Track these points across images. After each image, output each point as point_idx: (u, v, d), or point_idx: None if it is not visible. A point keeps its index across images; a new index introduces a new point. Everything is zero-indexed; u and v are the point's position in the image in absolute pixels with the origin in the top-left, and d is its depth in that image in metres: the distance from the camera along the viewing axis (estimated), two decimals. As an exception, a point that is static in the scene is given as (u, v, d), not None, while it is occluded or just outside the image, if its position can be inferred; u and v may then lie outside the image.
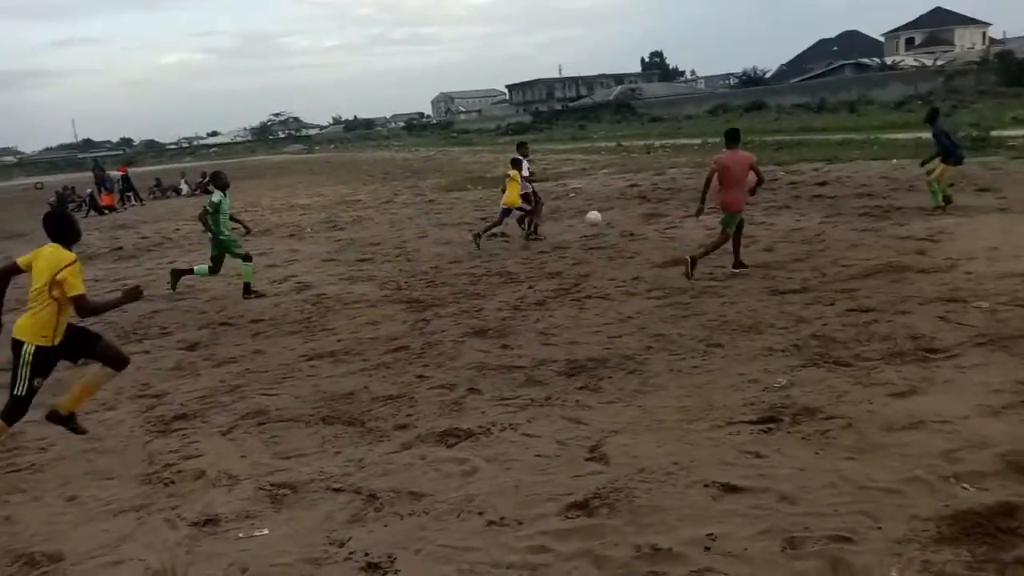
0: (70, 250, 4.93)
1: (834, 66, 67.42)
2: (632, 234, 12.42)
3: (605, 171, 24.23)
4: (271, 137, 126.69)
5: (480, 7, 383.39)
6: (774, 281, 8.39)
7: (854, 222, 11.42)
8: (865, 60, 64.93)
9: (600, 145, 37.68)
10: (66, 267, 4.79)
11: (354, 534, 3.91)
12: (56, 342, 4.94)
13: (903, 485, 3.82)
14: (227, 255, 10.26)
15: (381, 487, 4.40)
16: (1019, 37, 71.02)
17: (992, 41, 73.12)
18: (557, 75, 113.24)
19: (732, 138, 8.98)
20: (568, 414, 5.27)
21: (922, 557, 3.23)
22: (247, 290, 10.18)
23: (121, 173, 30.91)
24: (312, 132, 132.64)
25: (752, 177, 8.90)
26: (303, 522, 4.09)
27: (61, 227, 5.00)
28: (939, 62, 53.92)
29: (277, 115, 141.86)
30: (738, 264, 9.09)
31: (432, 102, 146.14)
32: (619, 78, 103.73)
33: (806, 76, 67.53)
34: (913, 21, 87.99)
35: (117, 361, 5.25)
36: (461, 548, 3.67)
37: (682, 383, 5.66)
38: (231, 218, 10.26)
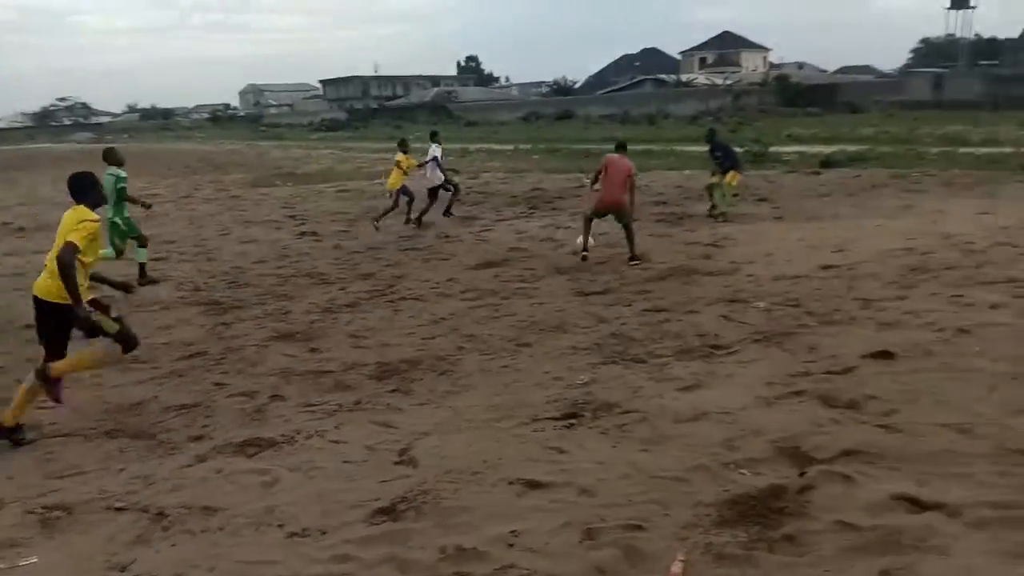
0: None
1: (636, 80, 71.85)
2: (447, 236, 12.50)
3: (421, 172, 24.18)
4: (55, 124, 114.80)
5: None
6: (579, 283, 8.77)
7: (651, 228, 12.20)
8: (663, 76, 69.78)
9: (416, 146, 37.61)
10: (83, 222, 4.92)
11: (139, 556, 3.61)
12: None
13: (689, 473, 4.10)
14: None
15: (170, 504, 4.09)
16: (794, 63, 79.33)
17: (772, 65, 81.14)
18: (373, 73, 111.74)
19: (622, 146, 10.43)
20: (378, 418, 5.19)
21: (705, 540, 3.48)
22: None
23: None
24: (103, 120, 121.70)
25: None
26: (79, 547, 3.72)
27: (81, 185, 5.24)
28: (727, 81, 59.01)
29: (62, 100, 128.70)
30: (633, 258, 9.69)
31: (240, 94, 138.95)
32: (435, 80, 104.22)
33: (611, 88, 71.38)
34: (705, 43, 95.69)
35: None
36: (259, 563, 3.49)
37: (492, 382, 5.75)
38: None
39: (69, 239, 4.84)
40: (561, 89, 79.22)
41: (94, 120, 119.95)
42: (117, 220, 9.40)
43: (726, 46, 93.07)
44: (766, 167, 19.73)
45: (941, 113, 36.59)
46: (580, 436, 4.68)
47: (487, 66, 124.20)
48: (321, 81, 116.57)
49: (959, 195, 13.62)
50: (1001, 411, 4.63)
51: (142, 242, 9.71)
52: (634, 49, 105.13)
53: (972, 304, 6.91)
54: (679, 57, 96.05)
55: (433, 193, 13.47)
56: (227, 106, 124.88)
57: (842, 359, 5.71)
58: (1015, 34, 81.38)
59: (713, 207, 12.78)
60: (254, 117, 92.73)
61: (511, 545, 3.53)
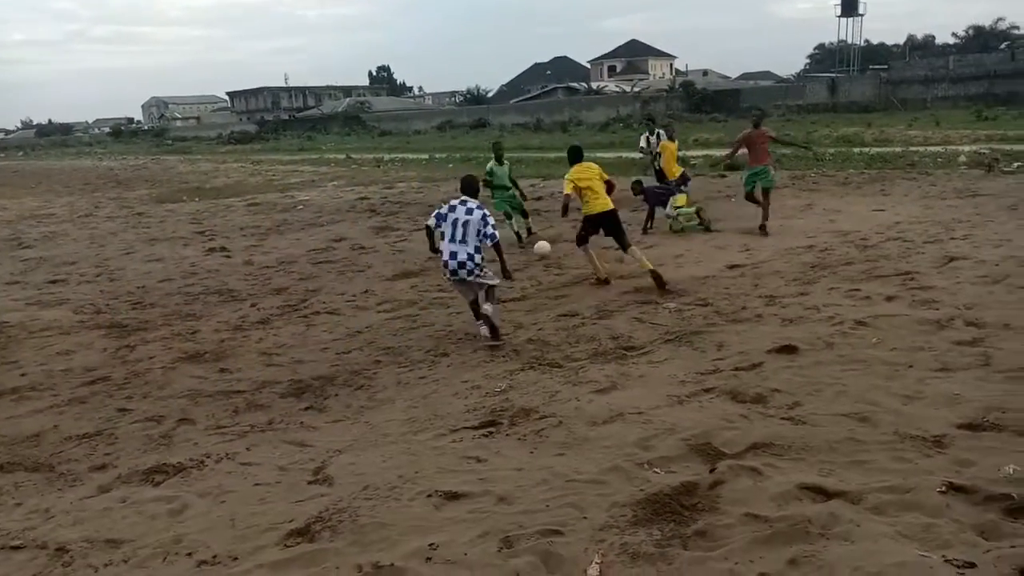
0: None
1: (548, 88, 72.65)
2: (362, 247, 12.34)
3: (334, 183, 23.85)
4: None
5: (197, 9, 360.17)
6: (496, 290, 8.76)
7: (567, 234, 12.31)
8: (574, 84, 70.77)
9: (329, 157, 37.04)
10: None
11: (35, 598, 3.41)
12: None
13: (605, 475, 4.16)
14: None
15: (72, 538, 3.89)
16: (699, 70, 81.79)
17: (678, 72, 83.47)
18: (283, 84, 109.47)
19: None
20: (291, 437, 5.07)
21: (621, 540, 3.53)
22: None
23: None
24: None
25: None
26: (-32, 593, 3.49)
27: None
28: (636, 88, 60.35)
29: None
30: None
31: (143, 107, 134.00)
32: (347, 90, 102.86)
33: (524, 97, 71.97)
34: (613, 51, 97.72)
35: None
36: (166, 596, 3.36)
37: (409, 395, 5.70)
38: None
39: None
40: (474, 98, 79.41)
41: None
42: None
43: (634, 54, 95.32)
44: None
45: (836, 115, 38.42)
46: (498, 444, 4.69)
47: (399, 76, 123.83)
48: (229, 93, 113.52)
49: (854, 193, 14.30)
50: (898, 399, 4.88)
51: None
52: (545, 58, 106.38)
53: (868, 297, 7.26)
54: (588, 65, 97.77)
55: None
56: (130, 120, 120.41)
57: (749, 355, 5.90)
58: (900, 40, 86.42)
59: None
60: (159, 131, 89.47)
61: (429, 559, 3.50)
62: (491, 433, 4.86)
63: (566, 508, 3.84)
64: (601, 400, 5.25)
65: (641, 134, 15.06)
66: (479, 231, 6.80)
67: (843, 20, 72.09)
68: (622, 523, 3.68)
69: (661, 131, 14.17)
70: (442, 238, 6.91)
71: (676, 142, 13.62)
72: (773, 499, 3.77)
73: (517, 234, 12.16)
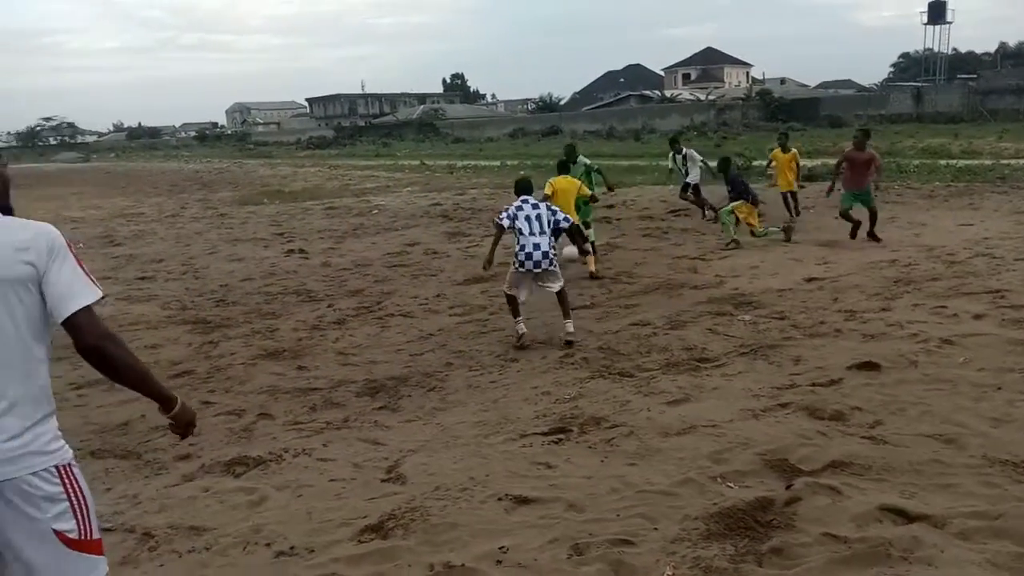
0: None
1: (621, 96, 72.35)
2: (435, 252, 12.51)
3: (409, 189, 24.26)
4: (40, 144, 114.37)
5: (276, 18, 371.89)
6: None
7: (637, 242, 12.26)
8: (648, 92, 70.26)
9: (404, 163, 37.70)
10: None
11: (125, 578, 3.58)
12: None
13: (677, 487, 4.11)
14: None
15: (158, 524, 4.06)
16: (776, 78, 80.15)
17: (755, 80, 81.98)
18: (360, 91, 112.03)
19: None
20: (366, 435, 5.18)
21: (693, 554, 3.49)
22: None
23: None
24: (89, 139, 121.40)
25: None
26: (63, 570, 3.68)
27: None
28: (711, 97, 59.53)
29: (48, 120, 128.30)
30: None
31: (227, 112, 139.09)
32: (422, 97, 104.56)
33: (596, 105, 71.82)
34: (688, 58, 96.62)
35: None
36: (246, 584, 3.47)
37: (480, 398, 5.76)
38: None
39: None
40: (547, 106, 79.59)
41: (80, 139, 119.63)
42: None
43: (709, 62, 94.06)
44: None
45: (921, 126, 37.06)
46: (568, 451, 4.69)
47: (473, 84, 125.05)
48: (308, 99, 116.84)
49: (940, 207, 13.77)
50: (986, 422, 4.68)
51: None
52: (618, 65, 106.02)
53: (955, 315, 6.98)
54: (662, 73, 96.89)
55: None
56: (214, 124, 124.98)
57: (828, 371, 5.75)
58: (991, 48, 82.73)
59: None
60: (241, 135, 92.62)
61: (499, 561, 3.53)
62: (561, 440, 4.86)
63: (637, 518, 3.81)
64: (673, 411, 5.19)
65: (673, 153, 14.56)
66: (551, 221, 7.20)
67: (930, 28, 69.67)
68: (694, 536, 3.63)
69: (692, 151, 14.04)
70: (519, 234, 7.14)
71: (791, 152, 13.58)
72: (852, 519, 3.66)
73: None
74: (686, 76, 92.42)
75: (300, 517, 4.06)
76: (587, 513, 3.90)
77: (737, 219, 11.28)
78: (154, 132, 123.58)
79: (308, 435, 5.22)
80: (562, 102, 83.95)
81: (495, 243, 7.42)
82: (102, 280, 8.75)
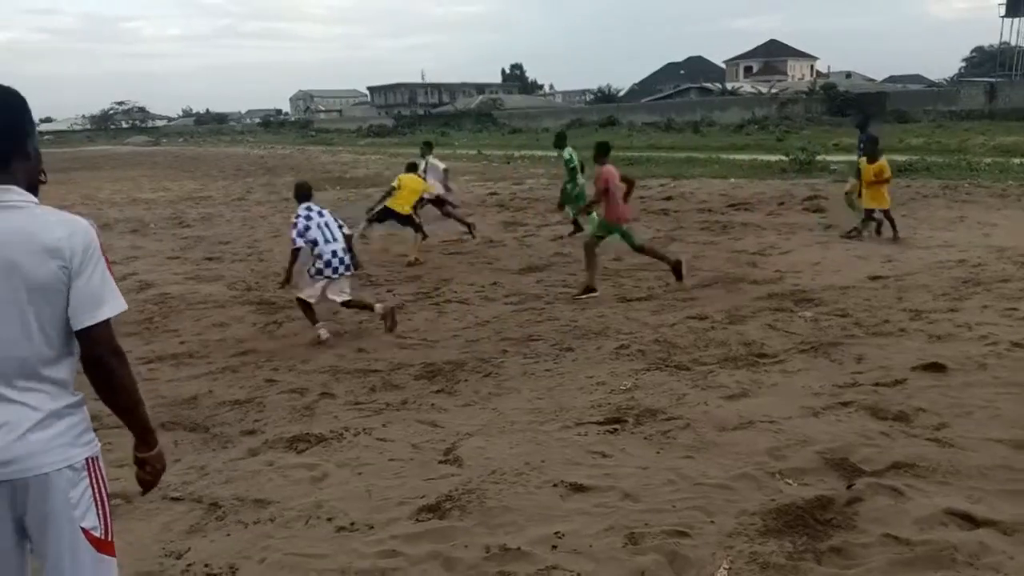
0: None
1: (681, 88, 71.35)
2: (491, 241, 12.58)
3: (466, 178, 24.37)
4: (113, 127, 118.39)
5: (339, 7, 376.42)
6: (622, 289, 8.76)
7: (695, 235, 12.12)
8: (708, 85, 69.09)
9: (461, 152, 37.87)
10: None
11: (193, 545, 3.73)
12: None
13: (734, 481, 4.09)
14: None
15: (224, 495, 4.22)
16: (842, 71, 77.98)
17: (819, 74, 79.91)
18: (420, 80, 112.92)
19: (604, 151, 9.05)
20: (423, 417, 5.27)
21: (750, 549, 3.47)
22: None
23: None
24: (159, 124, 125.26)
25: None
26: (137, 534, 3.85)
27: None
28: (773, 90, 58.26)
29: (121, 104, 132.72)
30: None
31: (291, 99, 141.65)
32: (481, 87, 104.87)
33: (656, 96, 70.97)
34: (751, 51, 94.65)
35: None
36: (308, 556, 3.58)
37: (535, 386, 5.79)
38: None
39: None
40: (605, 97, 79.02)
41: (150, 124, 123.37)
42: None
43: (772, 54, 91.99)
44: (813, 176, 19.47)
45: (994, 123, 35.64)
46: (623, 441, 4.70)
47: (531, 74, 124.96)
48: (369, 88, 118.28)
49: (1013, 207, 13.27)
50: (1058, 428, 4.52)
51: None
52: (679, 57, 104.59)
53: (1028, 318, 6.74)
54: (724, 65, 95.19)
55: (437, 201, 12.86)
56: (279, 111, 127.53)
57: (891, 371, 5.63)
58: (1076, 43, 78.82)
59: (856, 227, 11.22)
60: (304, 122, 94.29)
61: (555, 547, 3.57)
62: (616, 430, 4.87)
63: (693, 511, 3.81)
64: (731, 406, 5.15)
65: None
66: (340, 227, 7.29)
67: (1007, 21, 66.62)
68: (751, 531, 3.61)
69: (434, 159, 13.33)
70: (315, 245, 7.07)
71: (877, 163, 10.90)
72: (916, 522, 3.60)
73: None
74: (748, 69, 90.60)
75: (360, 494, 4.16)
76: (643, 503, 3.91)
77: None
78: (221, 118, 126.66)
79: (368, 415, 5.33)
80: (620, 93, 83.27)
81: (291, 264, 7.24)
82: (172, 260, 9.07)
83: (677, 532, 3.61)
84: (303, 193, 7.38)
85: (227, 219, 16.58)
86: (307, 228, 7.08)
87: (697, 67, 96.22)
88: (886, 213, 10.85)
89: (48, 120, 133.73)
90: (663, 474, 4.20)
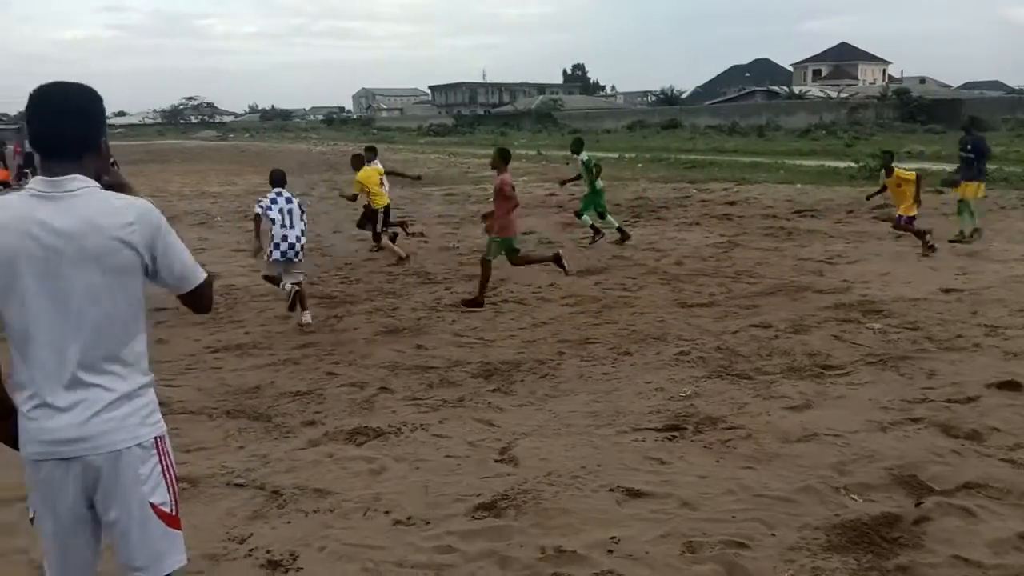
0: None
1: (746, 91, 70.13)
2: (549, 242, 12.56)
3: (525, 179, 24.40)
4: (182, 121, 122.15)
5: (406, 5, 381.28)
6: (682, 294, 8.65)
7: (759, 241, 11.90)
8: (775, 88, 67.75)
9: (521, 152, 37.93)
10: None
11: (255, 530, 3.81)
12: None
13: (796, 494, 3.99)
14: None
15: (285, 484, 4.30)
16: (916, 77, 75.60)
17: (891, 78, 77.63)
18: (481, 80, 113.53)
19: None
20: (480, 415, 5.28)
21: (812, 564, 3.38)
22: None
23: (16, 151, 29.12)
24: (227, 119, 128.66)
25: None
26: (202, 517, 3.95)
27: None
28: (843, 94, 56.81)
29: (190, 99, 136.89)
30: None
31: (353, 97, 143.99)
32: (541, 88, 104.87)
33: (720, 99, 69.92)
34: (820, 54, 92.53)
35: None
36: (366, 546, 3.62)
37: (592, 389, 5.76)
38: None
39: None
40: (667, 99, 78.16)
41: (218, 119, 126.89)
42: None
43: (843, 58, 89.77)
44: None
45: (1081, 133, 34.08)
46: (682, 448, 4.63)
47: (593, 75, 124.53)
48: (431, 87, 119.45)
49: (1100, 221, 12.67)
50: None
51: None
52: (745, 59, 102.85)
53: (1114, 338, 6.43)
54: (791, 68, 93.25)
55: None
56: (341, 109, 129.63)
57: (964, 387, 5.42)
58: None
59: (961, 232, 11.06)
60: (366, 120, 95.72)
61: (610, 551, 3.54)
62: (675, 437, 4.81)
63: (753, 522, 3.73)
64: (794, 417, 5.03)
65: None
66: (302, 214, 7.91)
67: (1097, 25, 63.56)
68: (814, 546, 3.52)
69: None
70: (272, 224, 7.69)
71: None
72: (988, 545, 3.46)
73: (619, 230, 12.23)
74: (816, 72, 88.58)
75: (417, 489, 4.20)
76: (701, 512, 3.85)
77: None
78: (286, 114, 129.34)
79: (425, 411, 5.38)
80: (683, 95, 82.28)
81: (256, 231, 8.07)
82: (238, 252, 9.27)
83: (736, 543, 3.55)
84: (276, 179, 8.13)
85: (291, 214, 16.89)
86: (269, 208, 7.74)
87: (763, 70, 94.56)
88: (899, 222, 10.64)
89: (121, 114, 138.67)
90: (723, 484, 4.13)
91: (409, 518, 3.89)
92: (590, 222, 12.25)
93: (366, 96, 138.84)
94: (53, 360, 2.15)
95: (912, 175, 10.53)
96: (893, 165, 10.78)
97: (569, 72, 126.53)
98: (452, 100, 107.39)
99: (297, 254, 7.75)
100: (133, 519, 2.23)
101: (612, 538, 3.63)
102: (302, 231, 7.84)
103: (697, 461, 4.44)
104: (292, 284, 7.73)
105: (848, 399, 5.34)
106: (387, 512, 3.95)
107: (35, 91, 2.20)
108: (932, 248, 10.37)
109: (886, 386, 5.57)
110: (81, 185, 2.17)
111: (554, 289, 9.15)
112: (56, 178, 2.16)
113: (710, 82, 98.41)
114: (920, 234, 10.51)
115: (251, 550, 3.63)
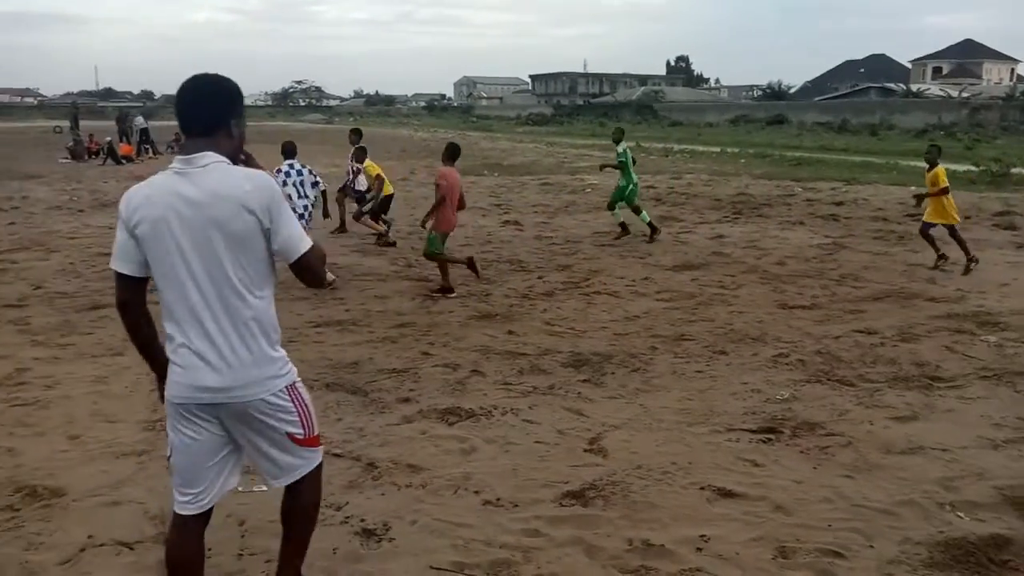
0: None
1: (859, 88, 67.21)
2: (645, 235, 12.41)
3: (622, 170, 24.17)
4: (291, 104, 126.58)
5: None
6: (783, 295, 8.40)
7: (867, 244, 11.42)
8: (891, 85, 64.61)
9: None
10: None
11: (351, 499, 3.95)
12: None
13: (898, 507, 3.84)
14: None
15: (380, 457, 4.44)
16: (1048, 77, 70.59)
17: (1020, 78, 72.76)
18: (581, 70, 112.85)
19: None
20: (569, 404, 5.30)
21: (912, 579, 3.26)
22: None
23: (143, 126, 30.89)
24: (333, 103, 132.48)
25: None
26: (302, 483, 4.12)
27: None
28: (965, 94, 53.64)
29: (299, 83, 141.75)
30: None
31: (455, 85, 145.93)
32: (643, 79, 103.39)
33: (831, 95, 67.26)
34: (942, 51, 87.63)
35: None
36: (456, 524, 3.71)
37: (685, 386, 5.68)
38: None
39: None
40: (774, 93, 75.70)
41: (324, 103, 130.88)
42: None
43: (966, 55, 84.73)
44: (1008, 189, 17.79)
45: None
46: (777, 452, 4.53)
47: (697, 67, 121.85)
48: (531, 76, 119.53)
49: None
50: None
51: None
52: (859, 55, 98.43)
53: None
54: (909, 65, 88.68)
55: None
56: (442, 96, 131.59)
57: (1089, 409, 5.08)
58: None
59: None
60: (466, 108, 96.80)
61: (699, 549, 3.50)
62: (770, 440, 4.70)
63: (850, 532, 3.62)
64: (899, 428, 4.83)
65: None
66: (312, 183, 8.72)
67: None
68: (915, 562, 3.38)
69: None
70: (289, 198, 7.85)
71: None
72: (1110, 577, 3.24)
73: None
74: (937, 70, 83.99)
75: (506, 471, 4.26)
76: (795, 517, 3.75)
77: None
78: (389, 100, 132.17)
79: (516, 396, 5.43)
80: (792, 90, 79.55)
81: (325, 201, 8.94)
82: (339, 235, 9.54)
83: (832, 552, 3.45)
84: (288, 150, 8.93)
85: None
86: (284, 184, 8.37)
87: (879, 66, 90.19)
88: (951, 230, 9.56)
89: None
90: (819, 491, 4.01)
91: (498, 499, 3.95)
92: (621, 217, 12.06)
93: (467, 84, 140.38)
94: (192, 312, 2.51)
95: (943, 182, 9.45)
96: (939, 162, 9.72)
97: (673, 64, 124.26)
98: (552, 90, 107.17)
99: (307, 224, 8.32)
100: (274, 448, 2.71)
101: (702, 536, 3.59)
102: (312, 201, 8.59)
103: (793, 466, 4.33)
104: None
105: (958, 413, 5.09)
106: (476, 492, 4.02)
107: (183, 82, 2.59)
108: (943, 259, 9.63)
109: (1000, 402, 5.27)
110: (210, 160, 2.51)
111: (648, 283, 9.06)
112: (190, 155, 2.52)
113: (820, 77, 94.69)
114: (933, 243, 9.73)
115: (347, 517, 3.77)
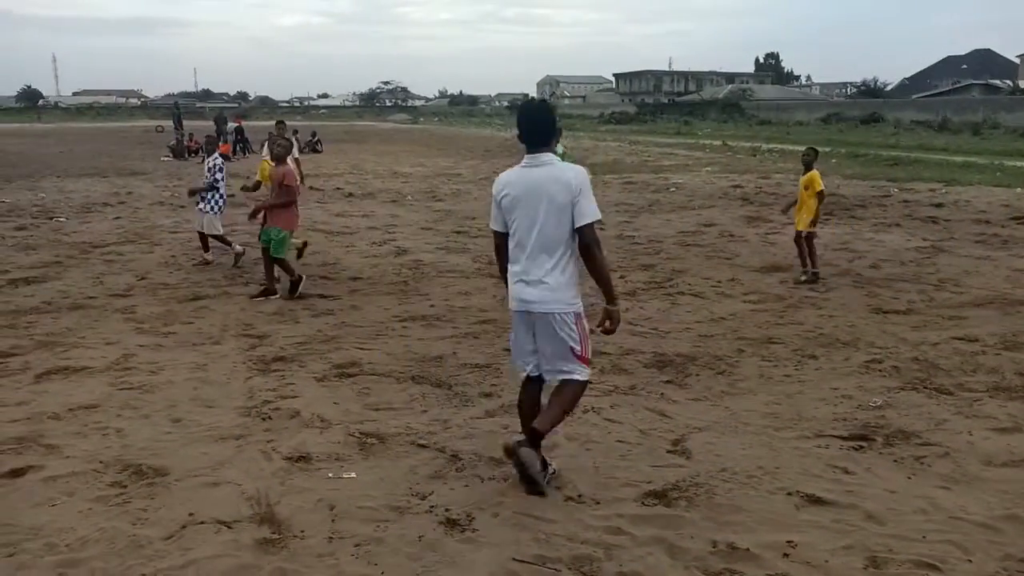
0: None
1: (961, 85, 64.02)
2: (732, 235, 12.19)
3: (708, 169, 23.78)
4: (378, 104, 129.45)
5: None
6: (878, 299, 8.11)
7: (968, 248, 10.90)
8: (996, 82, 61.26)
9: (704, 143, 36.92)
10: None
11: (436, 489, 4.04)
12: None
13: (999, 522, 3.67)
14: None
15: (464, 449, 4.52)
16: None
17: None
18: (666, 68, 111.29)
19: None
20: (652, 405, 5.27)
21: (1014, 597, 3.11)
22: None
23: (235, 125, 32.19)
24: (418, 103, 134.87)
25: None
26: (388, 471, 4.25)
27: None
28: (1081, 91, 50.33)
29: (386, 83, 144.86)
30: None
31: (537, 84, 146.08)
32: (730, 77, 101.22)
33: (930, 93, 64.30)
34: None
35: None
36: (538, 518, 3.74)
37: (772, 390, 5.56)
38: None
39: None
40: (869, 90, 72.85)
41: (410, 103, 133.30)
42: None
43: (1085, 48, 79.34)
44: None
45: None
46: (869, 460, 4.38)
47: (787, 64, 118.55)
48: (614, 75, 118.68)
49: None
50: None
51: None
52: (962, 50, 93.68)
53: None
54: (1017, 61, 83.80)
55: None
56: (525, 95, 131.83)
57: None
58: None
59: None
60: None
61: (786, 555, 3.43)
62: (862, 447, 4.56)
63: (946, 545, 3.48)
64: (1000, 440, 4.61)
65: None
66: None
67: None
68: (1018, 579, 3.23)
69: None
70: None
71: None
72: None
73: None
74: (1049, 64, 79.05)
75: (588, 469, 4.27)
76: (888, 527, 3.63)
77: None
78: (472, 100, 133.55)
79: (597, 395, 5.43)
80: (888, 87, 76.42)
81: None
82: (426, 230, 9.76)
83: (927, 564, 3.32)
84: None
85: (474, 197, 17.53)
86: (220, 169, 9.70)
87: (983, 62, 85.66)
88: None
89: (325, 96, 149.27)
90: (914, 501, 3.87)
91: (580, 496, 3.97)
92: None
93: (550, 83, 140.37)
94: (525, 252, 3.90)
95: (820, 185, 8.83)
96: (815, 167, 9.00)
97: (762, 61, 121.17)
98: (636, 88, 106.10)
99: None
100: (558, 352, 3.98)
101: (789, 542, 3.52)
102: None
103: (886, 475, 4.19)
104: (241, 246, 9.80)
105: (1067, 427, 4.81)
106: (558, 488, 4.05)
107: (522, 105, 4.20)
108: (810, 280, 8.84)
109: (1116, 418, 4.95)
110: (547, 160, 3.92)
111: (735, 284, 8.89)
112: (535, 155, 3.93)
113: (919, 74, 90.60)
114: (809, 257, 8.99)
115: (432, 507, 3.86)
